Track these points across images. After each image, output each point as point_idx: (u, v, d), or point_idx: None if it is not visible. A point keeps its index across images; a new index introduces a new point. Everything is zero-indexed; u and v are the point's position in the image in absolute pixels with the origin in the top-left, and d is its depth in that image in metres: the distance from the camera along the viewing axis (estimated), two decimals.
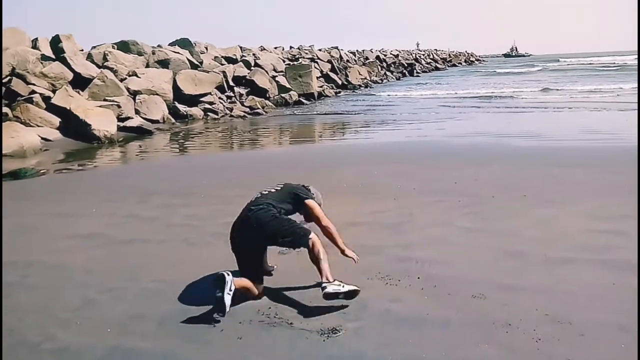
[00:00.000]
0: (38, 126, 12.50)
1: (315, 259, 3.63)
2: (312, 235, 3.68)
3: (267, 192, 3.94)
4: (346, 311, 3.54)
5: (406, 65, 51.42)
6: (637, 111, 13.72)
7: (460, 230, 5.17)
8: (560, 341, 3.12)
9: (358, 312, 3.54)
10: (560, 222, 5.32)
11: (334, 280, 3.55)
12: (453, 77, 44.76)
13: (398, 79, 43.40)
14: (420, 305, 3.61)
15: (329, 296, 3.49)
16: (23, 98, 13.11)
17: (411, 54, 60.38)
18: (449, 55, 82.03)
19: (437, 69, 61.20)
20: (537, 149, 9.78)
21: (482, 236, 4.99)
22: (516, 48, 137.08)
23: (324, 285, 3.51)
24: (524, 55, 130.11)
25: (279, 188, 4.01)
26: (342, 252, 3.87)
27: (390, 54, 52.32)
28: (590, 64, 59.10)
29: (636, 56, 35.02)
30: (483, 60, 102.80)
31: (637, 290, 3.71)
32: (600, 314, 3.42)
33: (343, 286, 3.54)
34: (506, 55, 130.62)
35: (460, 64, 77.85)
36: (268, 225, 3.65)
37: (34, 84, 13.89)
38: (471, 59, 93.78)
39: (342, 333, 3.27)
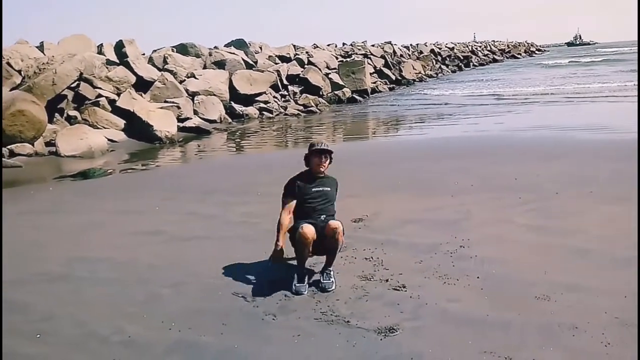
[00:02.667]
0: (104, 128, 13.12)
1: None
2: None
3: None
4: (403, 310, 3.51)
5: (462, 58, 50.13)
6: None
7: (520, 228, 5.00)
8: (631, 346, 2.96)
9: (416, 311, 3.50)
10: (629, 220, 5.04)
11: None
12: (497, 71, 40.74)
13: (454, 71, 42.41)
14: (480, 306, 3.53)
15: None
16: (90, 102, 13.81)
17: (467, 46, 58.81)
18: (508, 46, 79.27)
19: (495, 60, 59.33)
20: (604, 142, 9.29)
21: (544, 234, 4.81)
22: (580, 36, 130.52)
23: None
24: (588, 44, 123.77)
25: None
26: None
27: (446, 46, 51.15)
28: None
29: None
30: (545, 50, 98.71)
31: None
32: None
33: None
34: (569, 44, 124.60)
35: (520, 54, 75.04)
36: None
37: (100, 88, 14.58)
38: (531, 49, 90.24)
39: (400, 332, 3.25)
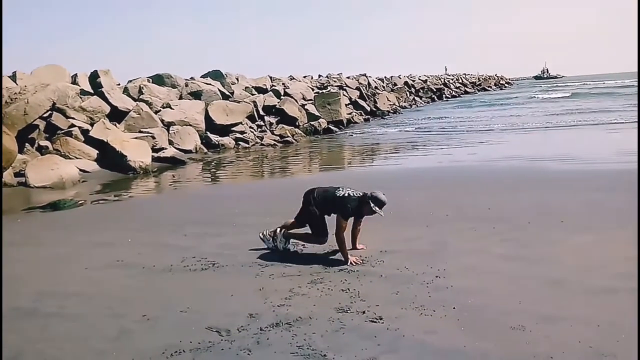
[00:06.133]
0: (77, 158, 12.91)
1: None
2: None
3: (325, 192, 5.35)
4: (381, 342, 3.48)
5: (435, 90, 51.34)
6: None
7: (496, 258, 5.05)
8: None
9: (393, 343, 3.47)
10: (601, 249, 5.15)
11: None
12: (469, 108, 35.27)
13: (427, 103, 43.36)
14: (456, 337, 3.52)
15: None
16: (63, 131, 13.62)
17: (440, 79, 60.31)
18: (478, 79, 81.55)
19: (466, 92, 60.88)
20: (573, 172, 9.54)
21: (519, 264, 4.86)
22: (547, 70, 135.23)
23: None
24: (556, 77, 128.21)
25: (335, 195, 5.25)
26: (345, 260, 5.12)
27: (419, 79, 52.38)
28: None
29: None
30: (514, 83, 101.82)
31: None
32: None
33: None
34: (537, 78, 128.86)
35: (491, 87, 77.22)
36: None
37: (73, 118, 14.42)
38: (501, 82, 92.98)
39: None
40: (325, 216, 5.35)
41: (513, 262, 4.93)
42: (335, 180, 7.04)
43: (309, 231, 5.43)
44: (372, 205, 5.05)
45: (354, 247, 5.40)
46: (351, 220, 5.28)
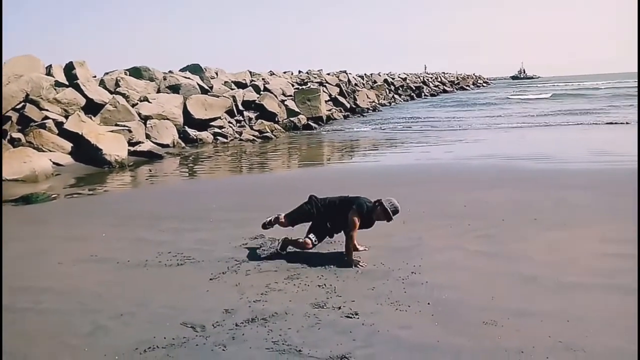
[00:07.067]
0: (50, 151, 12.66)
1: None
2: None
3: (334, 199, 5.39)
4: (356, 337, 3.51)
5: (414, 88, 51.70)
6: (637, 130, 13.60)
7: (470, 255, 5.12)
8: None
9: (368, 338, 3.50)
10: (572, 246, 5.27)
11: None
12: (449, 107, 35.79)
13: (406, 101, 43.67)
14: (431, 332, 3.57)
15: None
16: (36, 124, 13.32)
17: (419, 77, 60.74)
18: (457, 78, 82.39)
19: (445, 91, 61.47)
20: (547, 172, 9.72)
21: (492, 261, 4.94)
22: (524, 70, 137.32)
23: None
24: (532, 78, 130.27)
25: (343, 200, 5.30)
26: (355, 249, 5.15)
27: (398, 77, 52.67)
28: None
29: None
30: (491, 82, 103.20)
31: None
32: (614, 340, 3.36)
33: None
34: (514, 78, 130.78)
35: (469, 86, 78.08)
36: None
37: (47, 110, 14.11)
38: (479, 81, 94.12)
39: None
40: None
41: (487, 258, 5.01)
42: (315, 176, 7.04)
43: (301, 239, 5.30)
44: (386, 207, 5.08)
45: (356, 249, 5.23)
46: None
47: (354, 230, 5.03)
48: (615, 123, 19.54)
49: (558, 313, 3.77)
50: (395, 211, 5.13)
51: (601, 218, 6.24)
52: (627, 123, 19.27)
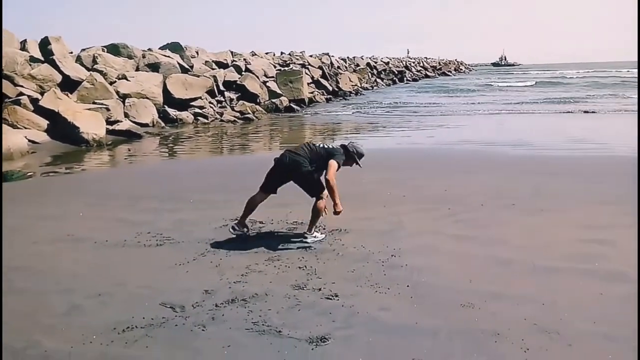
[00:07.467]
0: (25, 128, 12.33)
1: (313, 213, 5.04)
2: (323, 195, 5.03)
3: (310, 147, 5.17)
4: (335, 319, 3.53)
5: (396, 72, 51.66)
6: (637, 119, 13.84)
7: (449, 239, 5.18)
8: (549, 351, 3.13)
9: (347, 319, 3.53)
10: (548, 231, 5.36)
11: (313, 233, 5.08)
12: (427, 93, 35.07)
13: (388, 85, 43.67)
14: (409, 314, 3.61)
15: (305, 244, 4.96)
16: (10, 100, 12.95)
17: (401, 62, 60.67)
18: (439, 63, 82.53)
19: (427, 76, 61.57)
20: (526, 158, 9.85)
21: (471, 244, 5.00)
22: (505, 57, 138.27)
23: (305, 235, 5.07)
24: (513, 65, 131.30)
25: (321, 148, 5.17)
26: (335, 205, 4.99)
27: (381, 61, 52.53)
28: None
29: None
30: (473, 69, 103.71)
31: (623, 300, 3.74)
32: (588, 324, 3.44)
33: (316, 236, 5.05)
34: (495, 65, 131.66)
35: (451, 72, 78.34)
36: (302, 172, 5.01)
37: (22, 86, 13.72)
38: (461, 67, 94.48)
39: (331, 342, 3.25)
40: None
41: (465, 242, 5.07)
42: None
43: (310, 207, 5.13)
44: (353, 154, 5.24)
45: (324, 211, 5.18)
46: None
47: (334, 176, 4.96)
48: (594, 112, 19.85)
49: (533, 296, 3.85)
50: (362, 155, 5.32)
51: (578, 204, 6.35)
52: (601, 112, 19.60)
